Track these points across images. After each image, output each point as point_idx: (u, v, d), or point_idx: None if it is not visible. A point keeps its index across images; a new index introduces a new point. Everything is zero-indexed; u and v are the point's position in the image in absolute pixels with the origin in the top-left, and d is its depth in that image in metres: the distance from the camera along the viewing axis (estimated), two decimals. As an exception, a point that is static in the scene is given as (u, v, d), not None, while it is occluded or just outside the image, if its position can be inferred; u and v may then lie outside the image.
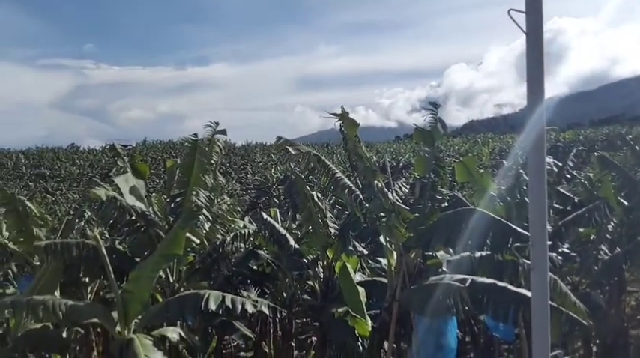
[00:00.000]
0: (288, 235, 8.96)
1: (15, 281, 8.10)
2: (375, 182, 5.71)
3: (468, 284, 5.68)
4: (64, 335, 7.25)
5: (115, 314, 6.40)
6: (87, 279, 9.07)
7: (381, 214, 6.12)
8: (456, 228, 5.74)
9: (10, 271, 7.87)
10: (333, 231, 8.21)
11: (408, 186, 6.95)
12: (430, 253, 6.31)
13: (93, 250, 7.10)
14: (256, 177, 55.38)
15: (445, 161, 7.19)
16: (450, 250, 6.43)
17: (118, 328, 6.32)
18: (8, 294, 7.69)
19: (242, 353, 15.60)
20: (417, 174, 6.61)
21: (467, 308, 5.65)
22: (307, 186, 8.08)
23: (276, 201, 28.18)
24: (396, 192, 6.47)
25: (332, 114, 5.56)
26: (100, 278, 9.00)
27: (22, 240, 8.66)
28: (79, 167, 63.88)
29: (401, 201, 6.36)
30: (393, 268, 6.42)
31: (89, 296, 9.32)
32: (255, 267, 10.69)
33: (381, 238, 6.58)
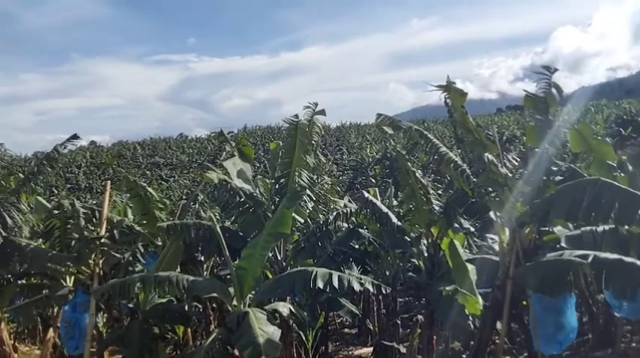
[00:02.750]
0: (390, 213, 8.90)
1: (142, 259, 8.86)
2: (486, 154, 5.45)
3: (590, 260, 5.28)
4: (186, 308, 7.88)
5: (231, 290, 6.80)
6: (202, 258, 9.70)
7: (490, 189, 5.85)
8: (577, 201, 5.31)
9: (137, 250, 8.62)
10: (437, 207, 8.02)
11: (518, 159, 6.57)
12: (546, 228, 5.94)
13: (209, 230, 7.58)
14: (352, 158, 55.71)
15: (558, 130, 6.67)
16: (569, 224, 6.00)
17: (234, 302, 6.72)
18: (137, 272, 8.45)
19: (346, 330, 15.94)
20: (529, 144, 6.21)
21: (589, 286, 5.26)
22: (408, 163, 7.94)
23: (373, 181, 28.10)
24: (506, 165, 6.14)
25: (437, 86, 5.38)
26: (214, 256, 9.61)
27: (144, 222, 9.46)
28: (188, 155, 68.34)
29: (511, 175, 6.02)
30: (505, 245, 6.13)
31: (205, 273, 9.99)
32: (357, 246, 10.80)
33: (491, 214, 6.31)
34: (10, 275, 9.46)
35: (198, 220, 8.44)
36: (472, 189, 6.01)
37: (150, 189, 9.78)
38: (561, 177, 7.21)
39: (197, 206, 10.67)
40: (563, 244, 6.00)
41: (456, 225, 7.88)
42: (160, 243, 9.48)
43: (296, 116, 7.67)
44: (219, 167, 9.24)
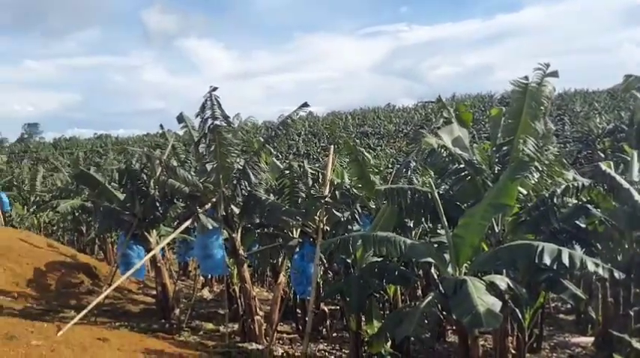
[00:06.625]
0: (632, 189, 7.75)
1: (359, 220, 9.44)
2: None
3: None
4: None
5: (446, 256, 6.81)
6: (412, 224, 9.86)
7: None
8: None
9: (356, 211, 9.21)
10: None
11: None
12: None
13: (424, 196, 7.65)
14: (575, 129, 49.80)
15: None
16: None
17: (449, 269, 6.71)
18: (355, 231, 9.05)
19: (561, 316, 14.74)
20: None
21: None
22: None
23: (602, 155, 24.75)
24: None
25: None
26: (423, 223, 9.67)
27: (360, 185, 10.02)
28: (395, 124, 69.60)
29: None
30: None
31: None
32: (582, 225, 9.73)
33: None
34: (250, 225, 11.06)
35: (413, 186, 8.56)
36: None
37: (366, 154, 10.25)
38: None
39: (410, 173, 10.83)
40: None
41: None
42: (373, 206, 9.96)
43: (525, 78, 7.11)
44: (432, 135, 9.18)
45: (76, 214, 21.23)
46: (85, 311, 8.35)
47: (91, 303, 9.03)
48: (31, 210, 26.72)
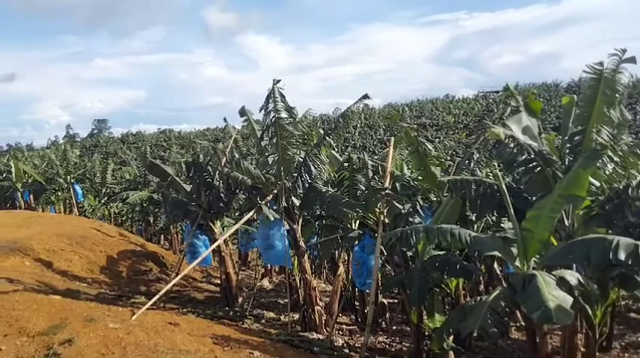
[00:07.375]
0: None
1: (421, 212, 9.32)
2: None
3: None
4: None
5: (513, 250, 6.61)
6: (474, 217, 9.64)
7: None
8: None
9: (417, 203, 9.10)
10: None
11: None
12: None
13: (490, 187, 7.45)
14: (650, 118, 46.78)
15: None
16: None
17: (517, 263, 6.52)
18: (417, 223, 8.95)
19: (632, 315, 14.05)
20: None
21: None
22: None
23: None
24: None
25: None
26: (485, 216, 9.42)
27: (421, 177, 9.89)
28: (454, 116, 67.95)
29: None
30: None
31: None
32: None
33: None
34: (309, 216, 11.21)
35: (478, 177, 8.36)
36: None
37: (428, 145, 10.09)
38: None
39: (472, 164, 10.58)
40: None
41: None
42: (434, 199, 9.80)
43: (600, 64, 6.76)
44: (499, 125, 8.91)
45: (144, 205, 22.32)
46: (156, 297, 8.77)
47: (159, 290, 9.47)
48: (102, 201, 28.29)
